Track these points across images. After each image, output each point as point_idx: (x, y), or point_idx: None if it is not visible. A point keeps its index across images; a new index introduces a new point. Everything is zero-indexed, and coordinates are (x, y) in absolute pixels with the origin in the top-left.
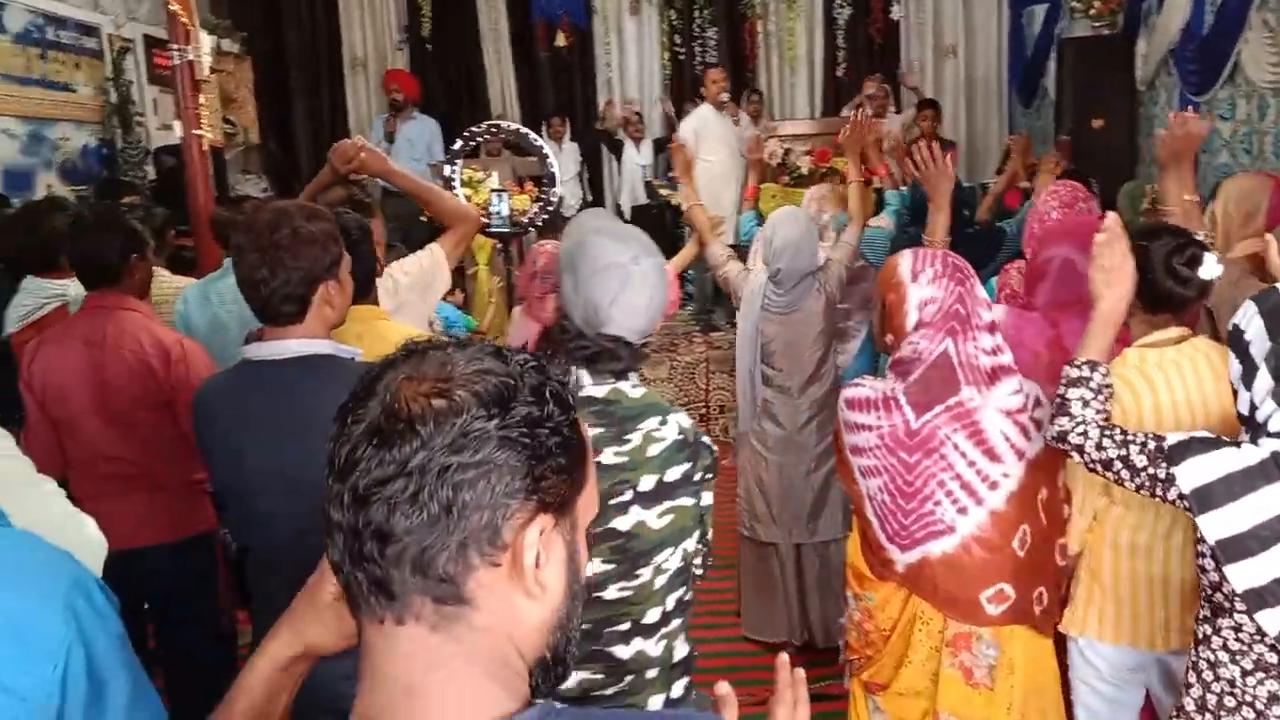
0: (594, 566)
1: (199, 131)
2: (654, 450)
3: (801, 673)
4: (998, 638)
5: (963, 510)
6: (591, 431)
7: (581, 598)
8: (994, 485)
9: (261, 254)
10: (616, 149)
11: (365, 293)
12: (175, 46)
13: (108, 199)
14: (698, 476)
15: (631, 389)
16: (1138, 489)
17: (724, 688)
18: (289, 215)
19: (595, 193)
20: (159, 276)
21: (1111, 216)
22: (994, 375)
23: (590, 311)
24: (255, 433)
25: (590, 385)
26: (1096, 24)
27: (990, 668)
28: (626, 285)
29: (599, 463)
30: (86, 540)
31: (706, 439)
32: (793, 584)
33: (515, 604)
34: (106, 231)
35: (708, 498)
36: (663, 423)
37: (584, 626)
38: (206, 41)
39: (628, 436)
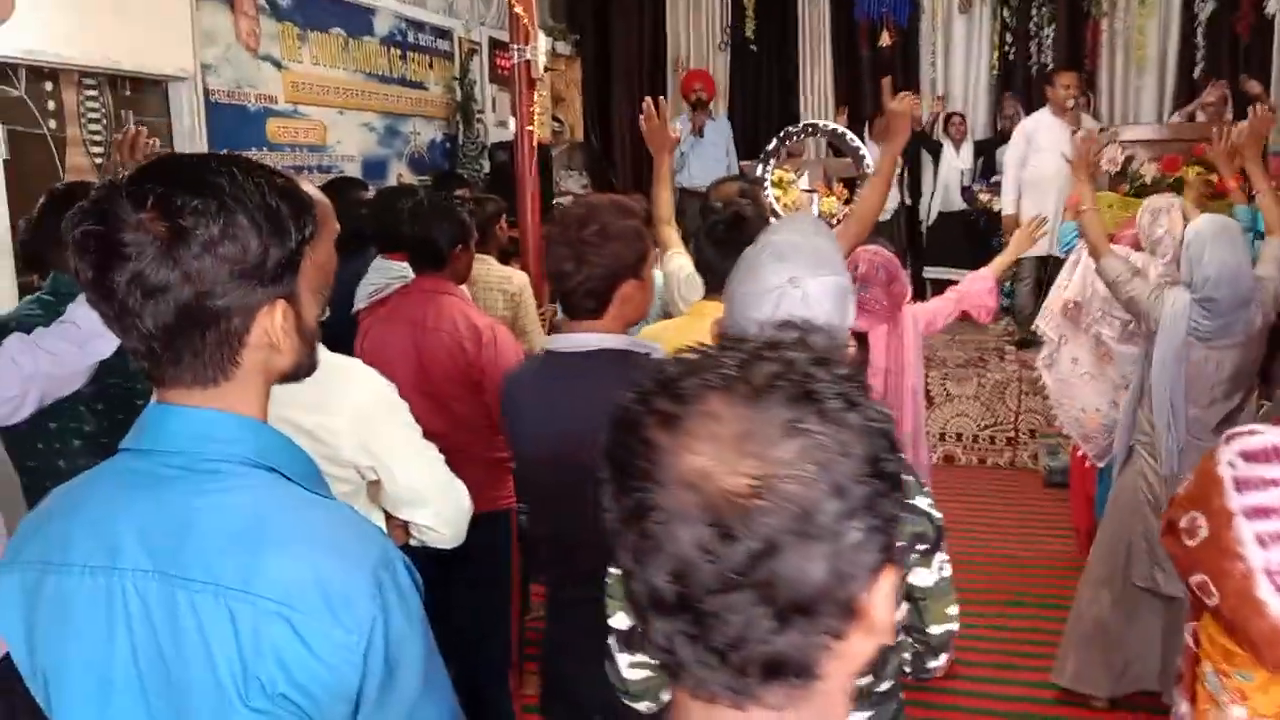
0: None
1: (530, 127)
2: None
3: None
4: None
5: None
6: None
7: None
8: None
9: (569, 248)
10: (934, 150)
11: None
12: (515, 46)
13: (443, 190)
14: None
15: None
16: None
17: None
18: (600, 211)
19: (915, 196)
20: (486, 263)
21: None
22: None
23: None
24: (547, 419)
25: None
26: None
27: None
28: (778, 311)
29: None
30: (457, 504)
31: (924, 503)
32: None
33: (857, 650)
34: (440, 220)
35: (920, 577)
36: None
37: None
38: (544, 42)
39: None
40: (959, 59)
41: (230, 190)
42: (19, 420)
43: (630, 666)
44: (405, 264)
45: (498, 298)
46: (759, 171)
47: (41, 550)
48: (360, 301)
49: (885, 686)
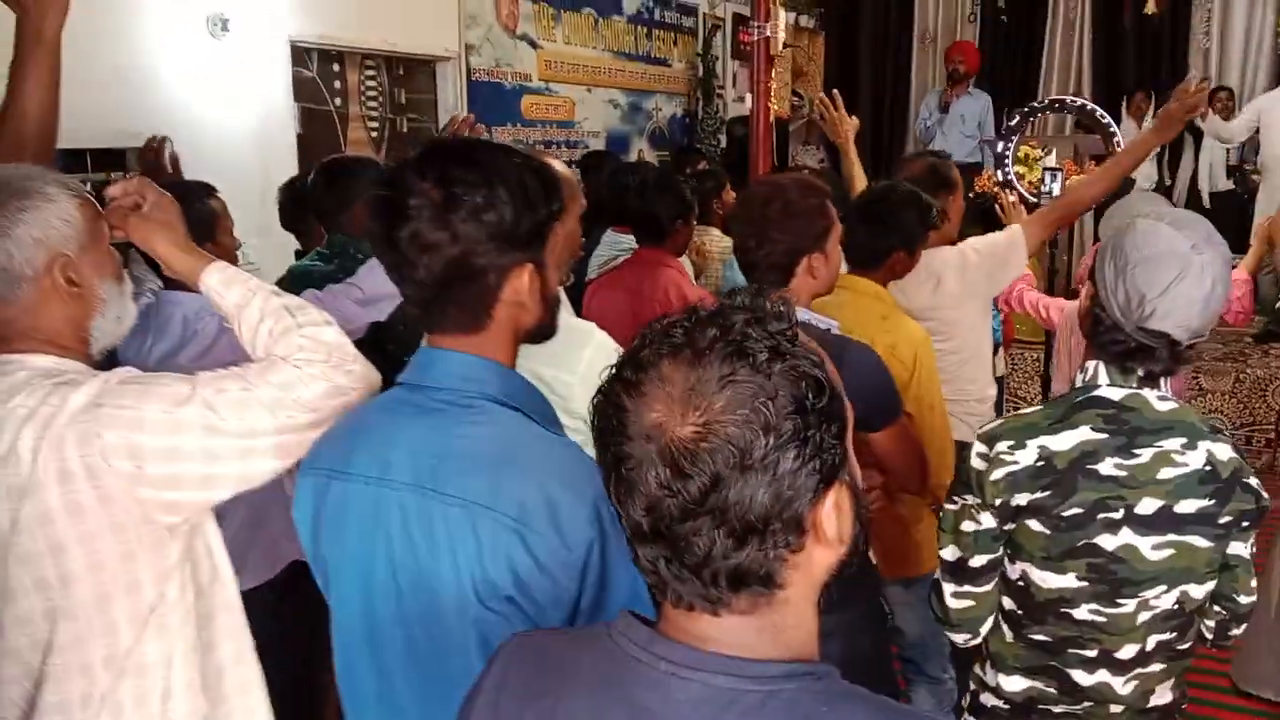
0: (1067, 580)
1: (768, 104)
2: (1166, 473)
3: None
4: None
5: None
6: (1091, 436)
7: (864, 496)
8: None
9: (752, 225)
10: (1194, 128)
11: (870, 266)
12: (756, 23)
13: (682, 165)
14: (1224, 519)
15: (1158, 400)
16: None
17: None
18: (783, 189)
19: (1174, 176)
20: (710, 234)
21: None
22: None
23: (1133, 302)
24: None
25: (1105, 386)
26: None
27: None
28: (1184, 276)
29: (1095, 470)
30: None
31: (1254, 482)
32: None
33: (816, 561)
34: (664, 194)
35: (1239, 548)
36: (1188, 447)
37: (1043, 638)
38: (784, 18)
39: (1136, 450)
40: (1238, 28)
41: (494, 167)
42: None
43: (953, 596)
44: (632, 237)
45: (719, 268)
46: (1000, 148)
47: (330, 460)
48: (591, 272)
49: (1184, 647)
